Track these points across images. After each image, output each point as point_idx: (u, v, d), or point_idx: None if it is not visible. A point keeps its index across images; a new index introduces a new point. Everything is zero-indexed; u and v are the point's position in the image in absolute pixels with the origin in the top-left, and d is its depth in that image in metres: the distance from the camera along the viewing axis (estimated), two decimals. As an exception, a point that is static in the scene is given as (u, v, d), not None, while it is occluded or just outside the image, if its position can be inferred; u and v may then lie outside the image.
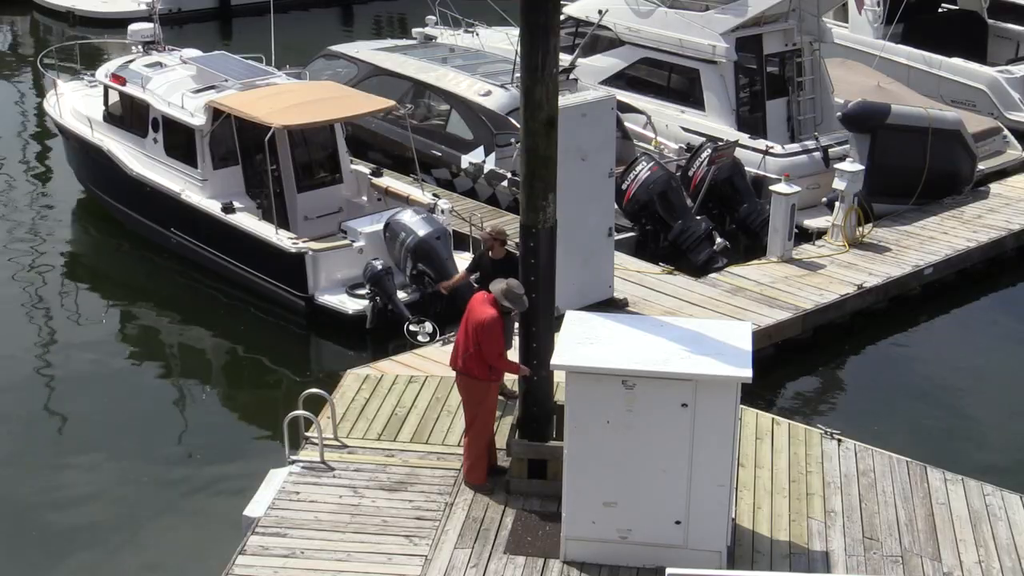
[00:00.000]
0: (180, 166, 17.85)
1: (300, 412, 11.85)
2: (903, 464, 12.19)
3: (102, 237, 19.86)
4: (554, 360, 10.12)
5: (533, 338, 11.14)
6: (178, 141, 17.86)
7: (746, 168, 19.07)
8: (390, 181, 18.35)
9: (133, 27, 20.75)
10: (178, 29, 31.74)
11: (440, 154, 20.06)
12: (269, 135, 16.46)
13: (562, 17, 20.27)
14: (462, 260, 16.41)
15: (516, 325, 11.77)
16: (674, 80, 21.73)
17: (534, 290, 10.99)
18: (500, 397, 11.93)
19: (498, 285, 10.91)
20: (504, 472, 11.53)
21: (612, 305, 15.33)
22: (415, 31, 25.54)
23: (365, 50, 23.03)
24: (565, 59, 17.55)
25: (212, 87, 18.14)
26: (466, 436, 11.54)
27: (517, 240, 11.46)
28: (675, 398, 9.83)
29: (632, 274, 16.58)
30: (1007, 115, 23.87)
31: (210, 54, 19.83)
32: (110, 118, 19.28)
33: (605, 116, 14.66)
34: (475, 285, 12.98)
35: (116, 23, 30.52)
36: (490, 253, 12.46)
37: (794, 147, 20.10)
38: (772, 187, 17.35)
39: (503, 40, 23.57)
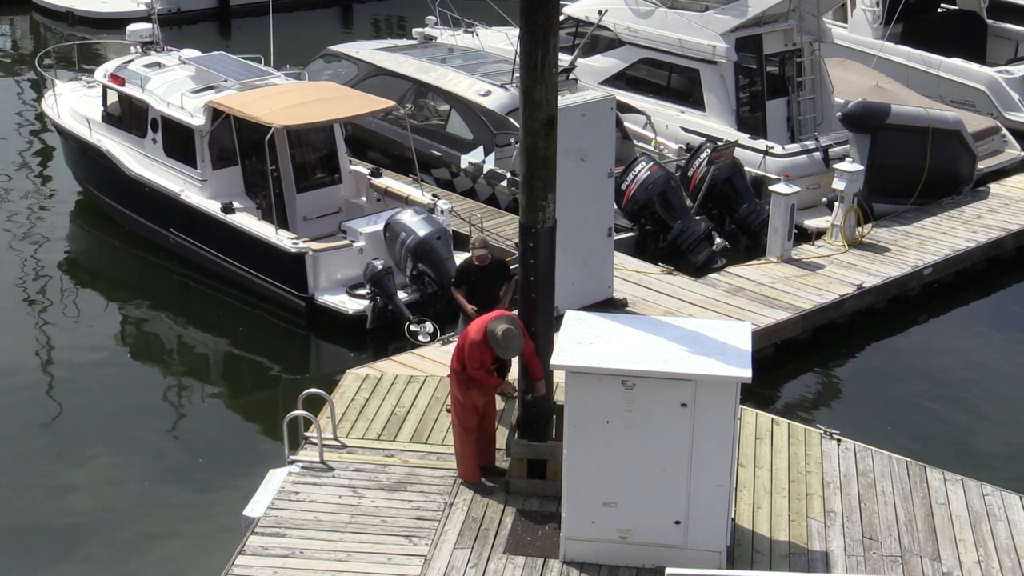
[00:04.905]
0: (179, 166, 17.84)
1: (300, 412, 11.84)
2: (903, 464, 12.19)
3: (101, 237, 19.84)
4: (554, 360, 10.12)
5: (533, 338, 11.13)
6: (177, 141, 17.86)
7: (746, 168, 19.07)
8: (389, 181, 18.34)
9: (132, 27, 20.72)
10: (177, 29, 31.77)
11: (440, 154, 20.05)
12: (269, 135, 16.46)
13: (562, 17, 20.38)
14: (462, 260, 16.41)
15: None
16: (674, 80, 21.73)
17: (534, 290, 10.99)
18: (499, 396, 11.93)
19: (496, 325, 10.81)
20: (503, 472, 11.53)
21: (612, 305, 15.32)
22: (415, 31, 25.55)
23: (365, 50, 23.02)
24: (565, 59, 17.59)
25: (211, 87, 18.14)
26: (453, 433, 11.56)
27: (517, 240, 11.47)
28: (675, 398, 9.83)
29: (632, 274, 16.57)
30: (1006, 115, 23.86)
31: (209, 54, 19.82)
32: (109, 118, 19.27)
33: (605, 116, 14.64)
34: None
35: (115, 23, 30.50)
36: (476, 262, 12.53)
37: (794, 147, 20.09)
38: (772, 187, 17.34)
39: (503, 40, 23.57)
